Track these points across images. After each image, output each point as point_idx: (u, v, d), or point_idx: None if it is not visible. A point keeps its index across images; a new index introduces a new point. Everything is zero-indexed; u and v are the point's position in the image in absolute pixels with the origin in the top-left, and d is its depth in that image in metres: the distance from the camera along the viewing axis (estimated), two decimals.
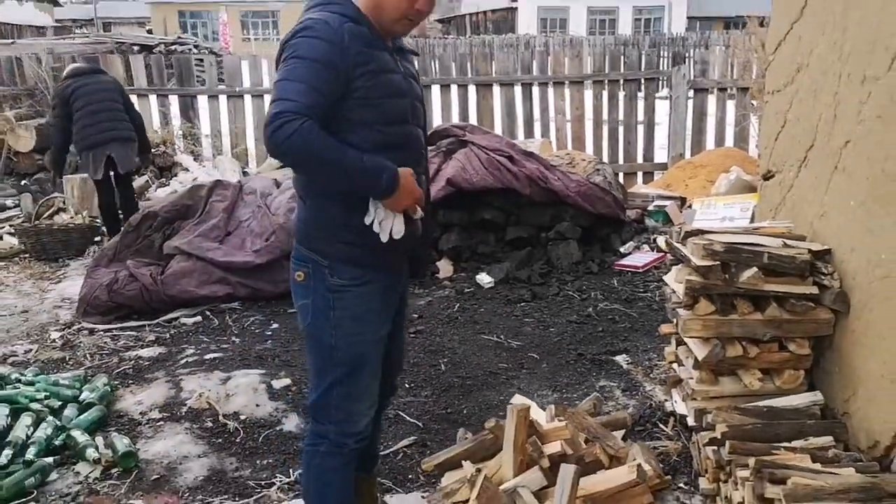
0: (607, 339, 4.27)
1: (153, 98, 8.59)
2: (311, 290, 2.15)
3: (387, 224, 2.08)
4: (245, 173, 8.06)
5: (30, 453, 2.96)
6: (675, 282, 3.03)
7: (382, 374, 2.30)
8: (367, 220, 2.07)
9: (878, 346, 2.60)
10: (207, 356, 4.03)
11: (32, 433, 3.07)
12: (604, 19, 41.52)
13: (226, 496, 2.84)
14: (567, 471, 2.26)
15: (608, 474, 2.51)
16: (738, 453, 2.48)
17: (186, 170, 8.27)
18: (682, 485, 2.87)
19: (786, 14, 3.39)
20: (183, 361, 3.99)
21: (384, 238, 2.08)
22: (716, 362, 2.85)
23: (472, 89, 8.60)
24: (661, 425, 3.28)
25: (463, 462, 2.62)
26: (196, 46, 20.16)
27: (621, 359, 4.02)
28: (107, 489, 2.87)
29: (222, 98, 8.61)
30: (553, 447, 2.57)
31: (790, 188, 3.34)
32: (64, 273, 5.75)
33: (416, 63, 2.35)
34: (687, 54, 11.10)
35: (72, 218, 6.42)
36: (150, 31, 32.84)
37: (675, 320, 3.03)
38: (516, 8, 41.83)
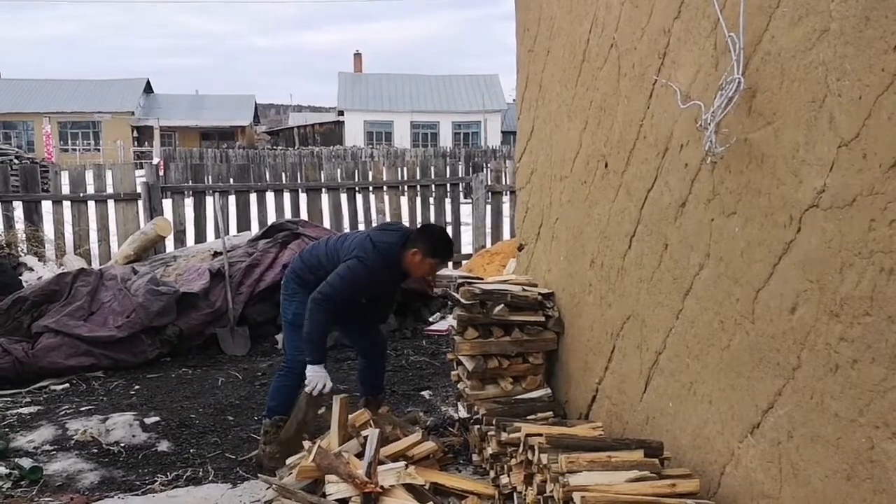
0: (416, 380, 5.45)
1: None
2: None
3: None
4: None
5: None
6: (452, 318, 4.29)
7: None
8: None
9: (576, 349, 3.95)
10: (83, 408, 4.80)
11: None
12: (426, 132, 44.64)
13: (119, 492, 3.69)
14: (373, 433, 3.37)
15: (403, 441, 3.64)
16: (490, 423, 3.69)
17: (31, 269, 8.78)
18: (461, 461, 4.04)
19: (525, 135, 4.87)
20: (62, 413, 4.73)
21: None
22: (480, 372, 4.08)
23: (302, 194, 9.79)
24: (450, 429, 4.46)
25: (304, 443, 3.65)
26: (18, 158, 20.09)
27: (426, 393, 5.21)
28: (20, 493, 3.63)
29: (66, 203, 9.27)
30: (365, 432, 3.66)
31: (532, 254, 4.74)
32: None
33: None
34: (485, 164, 12.98)
35: None
36: None
37: (453, 346, 4.28)
38: (343, 122, 44.14)
